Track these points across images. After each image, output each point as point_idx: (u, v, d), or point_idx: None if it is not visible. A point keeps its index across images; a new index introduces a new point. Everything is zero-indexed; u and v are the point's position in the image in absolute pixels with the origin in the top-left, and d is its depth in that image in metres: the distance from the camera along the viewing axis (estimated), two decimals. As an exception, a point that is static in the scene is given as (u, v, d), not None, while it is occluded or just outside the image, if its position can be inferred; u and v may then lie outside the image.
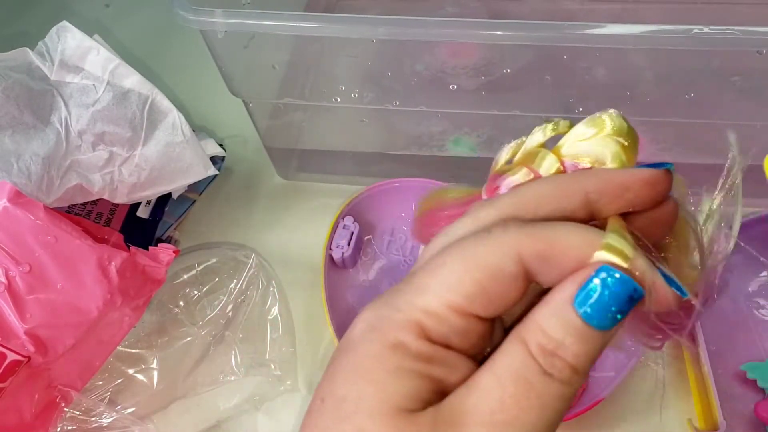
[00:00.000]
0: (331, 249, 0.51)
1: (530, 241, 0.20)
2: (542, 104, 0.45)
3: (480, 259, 0.20)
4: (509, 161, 0.27)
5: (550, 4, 0.58)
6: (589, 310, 0.20)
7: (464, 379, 0.21)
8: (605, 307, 0.20)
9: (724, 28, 0.35)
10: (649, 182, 0.22)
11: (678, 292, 0.20)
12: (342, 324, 0.49)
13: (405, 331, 0.21)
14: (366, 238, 0.54)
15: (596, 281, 0.20)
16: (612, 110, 0.25)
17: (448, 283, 0.20)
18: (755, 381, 0.44)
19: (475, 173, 0.55)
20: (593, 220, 0.22)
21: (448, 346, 0.21)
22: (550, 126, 0.26)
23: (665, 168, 0.22)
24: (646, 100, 0.43)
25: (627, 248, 0.20)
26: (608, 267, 0.20)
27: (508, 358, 0.20)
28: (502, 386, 0.20)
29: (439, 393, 0.21)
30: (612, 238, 0.20)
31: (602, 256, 0.20)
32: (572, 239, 0.20)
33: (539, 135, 0.26)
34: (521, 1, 0.59)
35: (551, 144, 0.26)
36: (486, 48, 0.43)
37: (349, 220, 0.51)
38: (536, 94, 0.45)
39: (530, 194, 0.22)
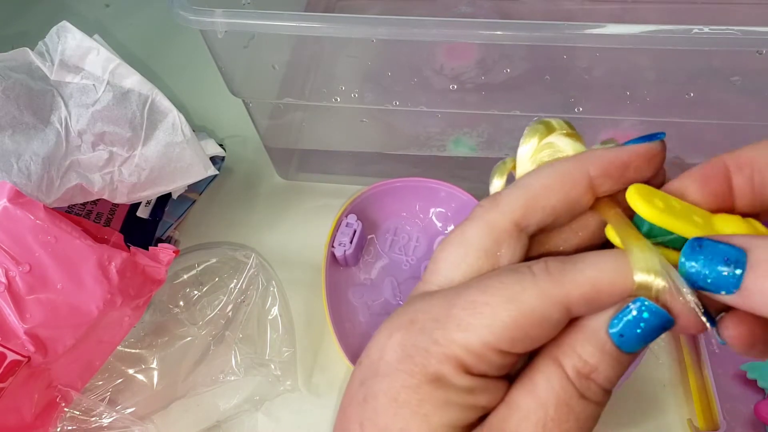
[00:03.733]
0: (333, 246, 0.51)
1: (577, 290, 0.21)
2: (542, 104, 0.45)
3: (526, 307, 0.21)
4: None
5: (550, 4, 0.58)
6: (623, 337, 0.21)
7: (501, 399, 0.22)
8: (639, 335, 0.21)
9: (724, 28, 0.35)
10: (647, 156, 0.23)
11: (708, 322, 0.21)
12: (341, 322, 0.49)
13: (445, 365, 0.21)
14: (369, 236, 0.54)
15: (633, 312, 0.20)
16: (535, 119, 0.26)
17: (492, 327, 0.21)
18: (755, 381, 0.44)
19: (476, 173, 0.55)
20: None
21: (484, 376, 0.21)
22: (497, 172, 0.26)
23: (660, 139, 0.23)
24: (646, 100, 0.43)
25: (660, 280, 0.20)
26: (644, 300, 0.20)
27: (548, 381, 0.21)
28: (544, 409, 0.21)
29: (480, 417, 0.21)
30: (645, 265, 0.21)
31: (639, 291, 0.21)
32: (613, 277, 0.21)
33: (497, 182, 0.26)
34: (530, 1, 0.59)
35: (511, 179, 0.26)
36: (486, 48, 0.43)
37: (352, 218, 0.51)
38: (536, 94, 0.45)
39: (537, 188, 0.22)
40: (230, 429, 0.47)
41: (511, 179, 0.26)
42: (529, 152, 0.26)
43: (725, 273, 0.19)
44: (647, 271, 0.20)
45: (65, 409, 0.43)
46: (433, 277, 0.23)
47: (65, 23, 0.46)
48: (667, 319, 0.20)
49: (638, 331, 0.20)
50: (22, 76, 0.45)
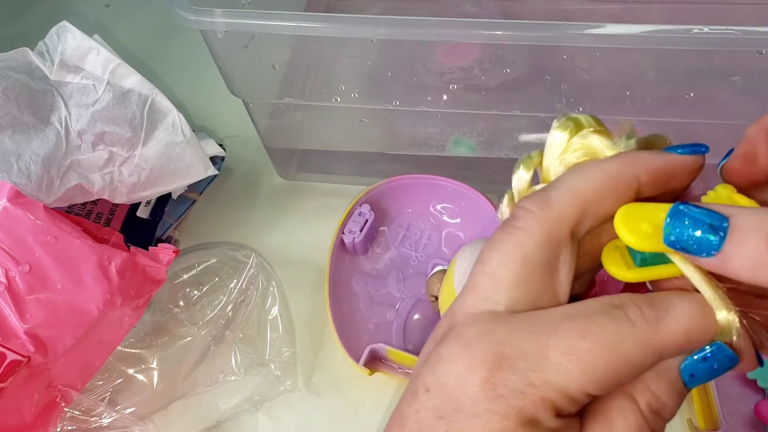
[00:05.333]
0: (343, 233, 0.51)
1: (672, 340, 0.21)
2: (542, 104, 0.45)
3: (627, 357, 0.21)
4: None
5: (551, 4, 0.58)
6: (693, 377, 0.22)
7: None
8: (708, 375, 0.22)
9: (724, 28, 0.35)
10: (691, 168, 0.23)
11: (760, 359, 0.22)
12: (341, 307, 0.49)
13: (541, 408, 0.20)
14: (381, 228, 0.54)
15: (708, 355, 0.21)
16: (561, 116, 0.26)
17: (592, 375, 0.21)
18: (755, 381, 0.44)
19: (475, 173, 0.55)
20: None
21: (570, 416, 0.22)
22: (523, 165, 0.26)
23: (704, 153, 0.24)
24: (646, 100, 0.43)
25: (735, 328, 0.21)
26: (721, 344, 0.21)
27: (625, 419, 0.21)
28: None
29: None
30: (724, 308, 0.21)
31: (720, 336, 0.22)
32: (703, 325, 0.21)
33: (524, 175, 0.26)
34: (531, 1, 0.59)
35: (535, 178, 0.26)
36: (486, 48, 0.43)
37: (365, 208, 0.52)
38: (536, 94, 0.45)
39: (590, 194, 0.22)
40: (230, 429, 0.47)
41: (535, 176, 0.26)
42: (558, 150, 0.25)
43: (708, 237, 0.20)
44: (726, 315, 0.21)
45: (65, 409, 0.43)
46: (495, 295, 0.22)
47: (65, 23, 0.46)
48: (736, 361, 0.21)
49: (710, 372, 0.22)
50: (22, 76, 0.45)
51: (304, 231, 0.56)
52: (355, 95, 0.46)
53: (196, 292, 0.51)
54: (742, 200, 0.22)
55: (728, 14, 0.57)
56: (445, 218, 0.54)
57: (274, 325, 0.50)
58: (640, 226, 0.21)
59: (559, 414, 0.21)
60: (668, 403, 0.22)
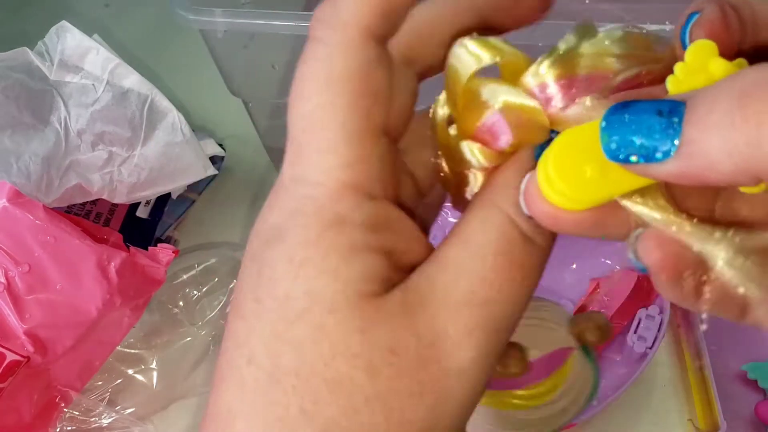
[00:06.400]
0: None
1: None
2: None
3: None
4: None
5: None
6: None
7: (416, 246, 0.19)
8: None
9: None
10: None
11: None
12: None
13: (341, 201, 0.18)
14: None
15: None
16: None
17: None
18: (756, 381, 0.44)
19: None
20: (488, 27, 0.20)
21: (376, 197, 0.18)
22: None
23: None
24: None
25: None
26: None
27: (485, 228, 0.18)
28: (482, 260, 0.18)
29: (396, 268, 0.18)
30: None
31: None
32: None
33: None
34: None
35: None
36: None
37: None
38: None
39: (424, 17, 0.20)
40: (230, 429, 0.47)
41: None
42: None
43: (657, 127, 0.15)
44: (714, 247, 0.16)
45: (65, 409, 0.43)
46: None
47: (65, 23, 0.46)
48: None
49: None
50: (22, 76, 0.45)
51: (304, 231, 0.56)
52: (355, 95, 0.46)
53: (195, 292, 0.51)
54: (726, 67, 0.16)
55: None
56: (450, 219, 0.54)
57: (273, 325, 0.50)
58: (582, 171, 0.16)
59: (369, 194, 0.18)
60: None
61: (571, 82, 0.18)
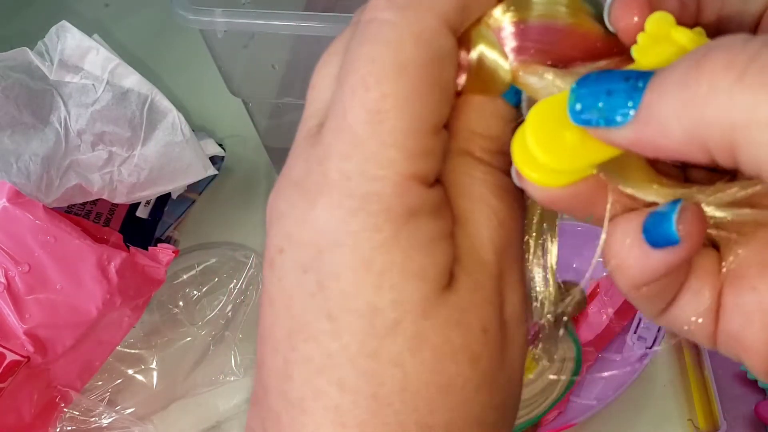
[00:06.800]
0: None
1: None
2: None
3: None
4: None
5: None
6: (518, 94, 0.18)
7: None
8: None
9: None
10: None
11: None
12: None
13: (408, 194, 0.16)
14: None
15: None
16: None
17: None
18: (756, 381, 0.44)
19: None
20: None
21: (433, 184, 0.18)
22: None
23: None
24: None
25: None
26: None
27: (470, 176, 0.18)
28: (487, 205, 0.18)
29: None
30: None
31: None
32: None
33: None
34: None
35: None
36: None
37: None
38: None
39: None
40: (230, 429, 0.47)
41: None
42: None
43: (621, 92, 0.15)
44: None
45: (65, 409, 0.43)
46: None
47: (64, 23, 0.46)
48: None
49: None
50: (22, 76, 0.45)
51: (304, 231, 0.56)
52: (354, 95, 0.46)
53: (195, 292, 0.51)
54: (691, 35, 0.16)
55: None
56: None
57: (273, 325, 0.50)
58: (561, 134, 0.16)
59: (429, 183, 0.17)
60: (503, 136, 0.18)
61: (526, 30, 0.18)
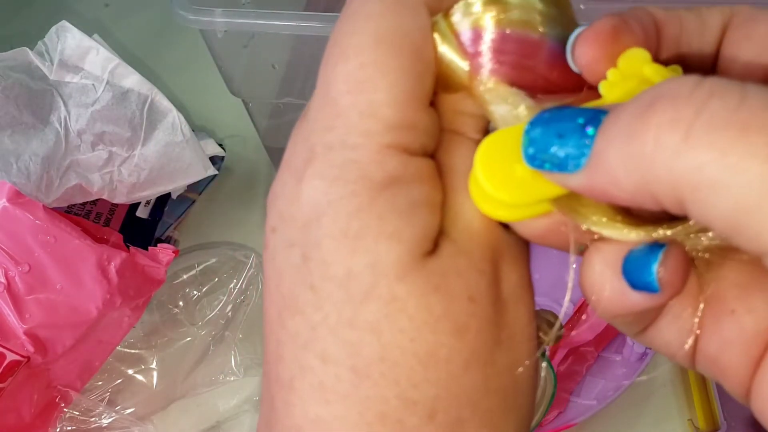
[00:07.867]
0: None
1: None
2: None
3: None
4: None
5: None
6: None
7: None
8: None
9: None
10: None
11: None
12: None
13: (387, 160, 0.16)
14: None
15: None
16: None
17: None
18: (756, 381, 0.44)
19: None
20: None
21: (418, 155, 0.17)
22: None
23: None
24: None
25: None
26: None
27: (461, 156, 0.18)
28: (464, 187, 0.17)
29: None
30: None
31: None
32: None
33: None
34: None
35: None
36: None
37: None
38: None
39: None
40: (230, 429, 0.47)
41: None
42: None
43: (575, 137, 0.14)
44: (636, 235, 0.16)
45: (65, 409, 0.43)
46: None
47: (64, 23, 0.46)
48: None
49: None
50: (22, 76, 0.45)
51: (304, 231, 0.56)
52: (354, 95, 0.46)
53: (195, 292, 0.51)
54: (662, 71, 0.16)
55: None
56: None
57: (273, 325, 0.50)
58: (512, 171, 0.16)
59: (408, 150, 0.17)
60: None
61: (501, 38, 0.17)
